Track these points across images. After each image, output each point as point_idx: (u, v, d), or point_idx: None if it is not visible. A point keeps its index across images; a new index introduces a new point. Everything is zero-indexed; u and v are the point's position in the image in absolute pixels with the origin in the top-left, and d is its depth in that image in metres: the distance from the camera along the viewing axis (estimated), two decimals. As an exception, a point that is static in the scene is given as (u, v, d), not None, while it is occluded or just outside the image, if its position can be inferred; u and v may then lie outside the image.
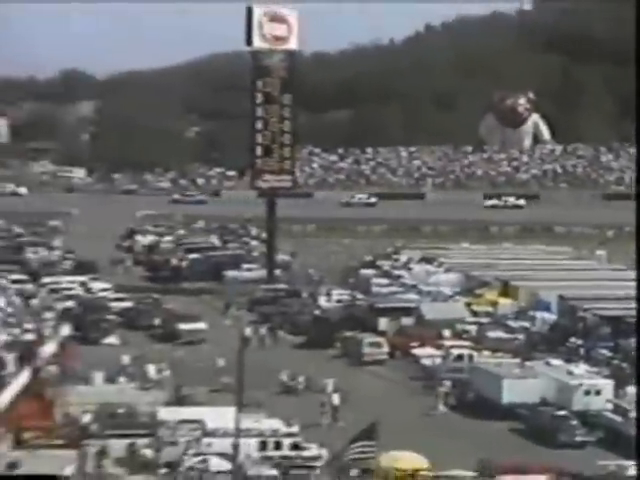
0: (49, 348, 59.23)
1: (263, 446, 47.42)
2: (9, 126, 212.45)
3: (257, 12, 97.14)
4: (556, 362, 63.25)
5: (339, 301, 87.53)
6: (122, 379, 61.71)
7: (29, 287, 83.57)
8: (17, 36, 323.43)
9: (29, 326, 62.13)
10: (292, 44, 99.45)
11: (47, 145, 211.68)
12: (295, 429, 49.90)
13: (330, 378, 62.20)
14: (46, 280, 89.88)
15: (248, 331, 71.59)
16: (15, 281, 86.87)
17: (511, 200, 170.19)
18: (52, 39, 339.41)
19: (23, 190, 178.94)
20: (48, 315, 68.58)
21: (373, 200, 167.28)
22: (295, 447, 47.88)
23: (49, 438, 48.92)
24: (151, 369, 62.54)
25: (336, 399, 57.86)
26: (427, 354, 68.67)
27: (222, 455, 45.33)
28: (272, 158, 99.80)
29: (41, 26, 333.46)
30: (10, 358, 53.00)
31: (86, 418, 52.00)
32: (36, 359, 55.54)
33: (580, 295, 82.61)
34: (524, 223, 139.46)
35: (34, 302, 72.74)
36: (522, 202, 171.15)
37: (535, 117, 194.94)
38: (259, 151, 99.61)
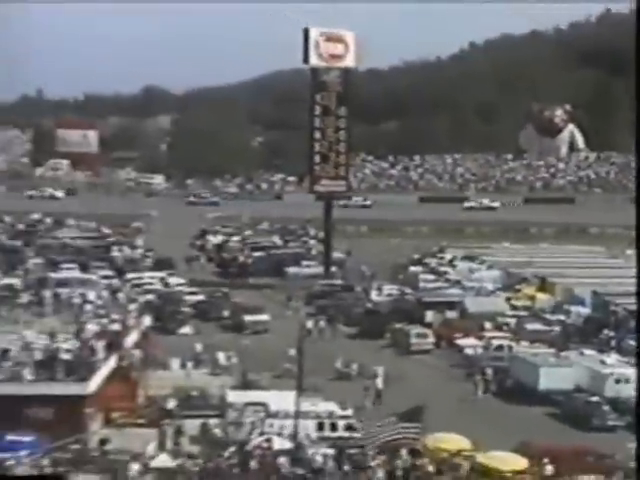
0: (133, 337, 59.79)
1: (320, 427, 48.11)
2: (98, 137, 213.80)
3: (313, 33, 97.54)
4: (589, 352, 63.48)
5: (389, 295, 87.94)
6: (194, 365, 62.93)
7: (115, 282, 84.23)
8: (103, 56, 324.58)
9: (115, 317, 62.68)
10: (349, 62, 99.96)
11: (131, 154, 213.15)
12: (349, 412, 50.55)
13: (380, 366, 63.09)
14: (130, 276, 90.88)
15: (309, 323, 72.49)
16: (104, 277, 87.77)
17: (485, 202, 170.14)
18: (134, 58, 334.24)
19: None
20: (132, 307, 69.18)
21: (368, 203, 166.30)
22: (349, 428, 48.43)
23: (133, 418, 50.20)
24: (221, 356, 63.51)
25: (379, 383, 58.57)
26: (470, 344, 69.07)
27: (283, 435, 46.00)
28: (328, 165, 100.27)
29: (124, 46, 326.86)
30: (100, 346, 53.44)
31: (165, 400, 53.15)
32: (122, 347, 56.14)
33: (612, 291, 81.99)
34: (561, 225, 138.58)
35: (120, 296, 73.27)
36: (496, 204, 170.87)
37: (571, 127, 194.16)
38: (317, 159, 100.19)
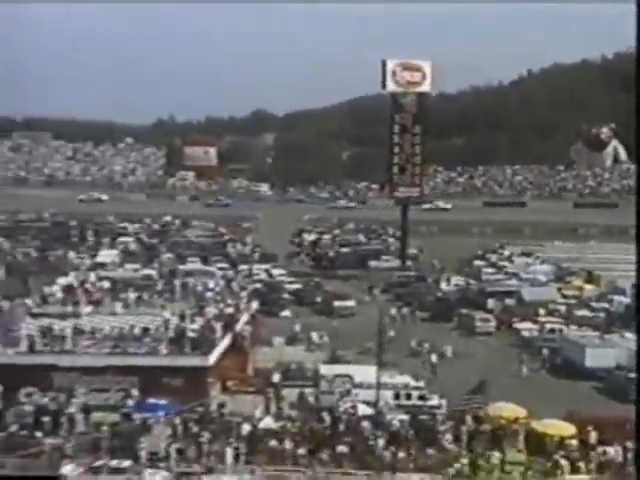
0: (244, 319, 60.45)
1: (397, 396, 48.70)
2: (217, 153, 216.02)
3: (390, 64, 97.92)
4: (629, 335, 63.03)
5: (456, 285, 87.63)
6: (293, 342, 64.00)
7: (230, 273, 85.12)
8: (219, 83, 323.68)
9: (230, 302, 63.44)
10: (425, 87, 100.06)
11: (242, 166, 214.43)
12: (421, 383, 51.05)
13: (449, 345, 63.60)
14: (241, 268, 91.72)
15: (393, 310, 73.29)
16: (221, 268, 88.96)
17: (440, 204, 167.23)
18: (247, 86, 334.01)
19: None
20: (243, 294, 69.91)
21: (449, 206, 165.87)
22: (421, 398, 49.04)
23: (244, 386, 51.04)
24: (314, 335, 64.36)
25: (434, 358, 59.03)
26: (526, 327, 69.20)
27: (366, 403, 46.71)
28: (405, 175, 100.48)
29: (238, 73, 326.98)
30: (218, 326, 54.29)
31: (269, 372, 54.05)
32: (235, 327, 56.90)
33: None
34: (605, 226, 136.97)
35: (233, 284, 74.01)
36: (449, 206, 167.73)
37: (615, 142, 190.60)
38: (395, 169, 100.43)
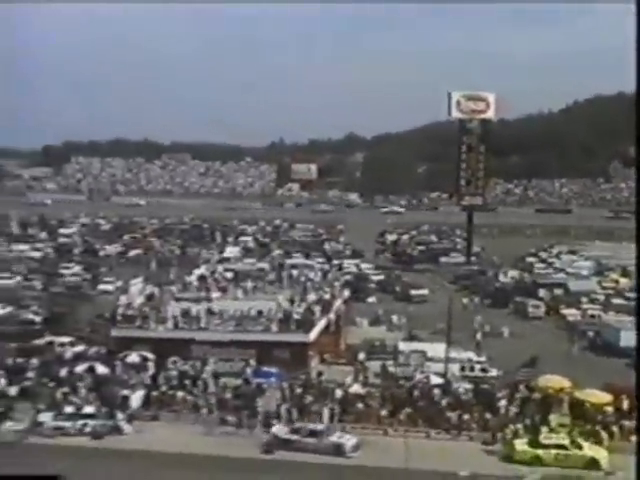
0: (337, 304, 60.30)
1: (462, 369, 48.00)
2: (317, 168, 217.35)
3: (455, 95, 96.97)
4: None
5: (512, 278, 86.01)
6: (377, 324, 63.44)
7: (326, 266, 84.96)
8: (318, 106, 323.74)
9: (327, 290, 63.44)
10: (489, 115, 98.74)
11: (337, 179, 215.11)
12: (483, 358, 50.32)
13: (505, 327, 62.57)
14: (335, 262, 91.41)
15: (465, 300, 72.30)
16: (319, 262, 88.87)
17: (395, 209, 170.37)
18: (339, 107, 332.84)
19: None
20: (337, 284, 69.81)
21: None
22: (483, 370, 48.31)
23: (338, 358, 50.80)
24: (394, 318, 63.81)
25: (479, 336, 57.77)
26: (571, 313, 67.68)
27: (437, 374, 46.12)
28: (470, 186, 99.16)
29: (330, 97, 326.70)
30: (317, 309, 54.26)
31: (357, 347, 53.74)
32: (330, 310, 56.74)
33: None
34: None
35: (329, 276, 73.96)
36: (402, 210, 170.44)
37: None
38: (462, 182, 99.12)
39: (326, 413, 39.68)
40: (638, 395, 34.43)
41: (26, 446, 36.28)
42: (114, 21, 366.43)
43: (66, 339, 52.22)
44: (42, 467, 29.74)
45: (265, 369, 45.36)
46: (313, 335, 50.25)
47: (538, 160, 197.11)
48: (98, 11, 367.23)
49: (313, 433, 36.42)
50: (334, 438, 36.19)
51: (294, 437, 36.25)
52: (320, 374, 46.13)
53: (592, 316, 65.92)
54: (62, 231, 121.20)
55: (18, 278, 79.15)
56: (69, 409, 39.37)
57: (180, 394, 42.62)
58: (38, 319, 59.72)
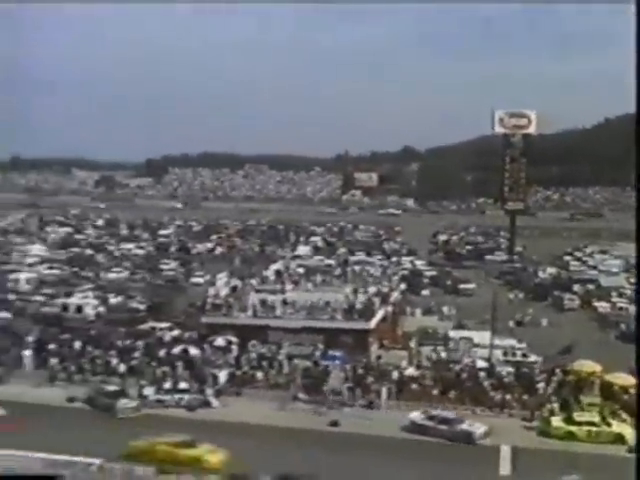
0: (395, 295, 59.98)
1: (505, 354, 47.18)
2: (377, 177, 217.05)
3: (497, 113, 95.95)
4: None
5: (550, 274, 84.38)
6: (429, 314, 62.69)
7: (385, 263, 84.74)
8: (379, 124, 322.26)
9: (385, 284, 63.16)
10: (530, 130, 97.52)
11: (395, 187, 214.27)
12: (524, 345, 49.36)
13: (544, 318, 61.51)
14: (393, 259, 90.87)
15: (504, 292, 70.59)
16: (379, 259, 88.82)
17: (391, 211, 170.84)
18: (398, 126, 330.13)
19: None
20: (394, 278, 69.54)
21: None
22: (523, 355, 47.53)
23: (395, 344, 50.42)
24: (445, 309, 63.11)
25: (512, 324, 56.77)
26: (602, 306, 65.95)
27: (482, 358, 45.65)
28: (513, 193, 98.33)
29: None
30: (376, 301, 53.89)
31: (412, 335, 53.05)
32: (388, 301, 56.50)
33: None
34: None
35: (388, 271, 73.75)
36: (399, 212, 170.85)
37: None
38: (506, 189, 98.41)
39: (384, 392, 39.54)
40: (638, 394, 33.67)
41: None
42: (193, 41, 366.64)
43: (165, 325, 52.72)
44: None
45: (331, 352, 45.06)
46: (373, 323, 49.86)
47: (574, 170, 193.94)
48: (174, 33, 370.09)
49: (446, 421, 35.52)
50: (465, 426, 35.26)
51: (429, 423, 35.50)
52: (379, 357, 45.88)
53: (620, 308, 63.99)
54: (161, 232, 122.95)
55: (126, 272, 79.93)
56: (167, 385, 40.02)
57: (259, 373, 42.93)
58: (142, 307, 60.48)
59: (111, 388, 39.49)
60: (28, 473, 25.09)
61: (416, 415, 36.39)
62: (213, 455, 29.99)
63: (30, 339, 47.34)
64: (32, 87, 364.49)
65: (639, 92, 19.25)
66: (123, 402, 37.75)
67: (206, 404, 38.70)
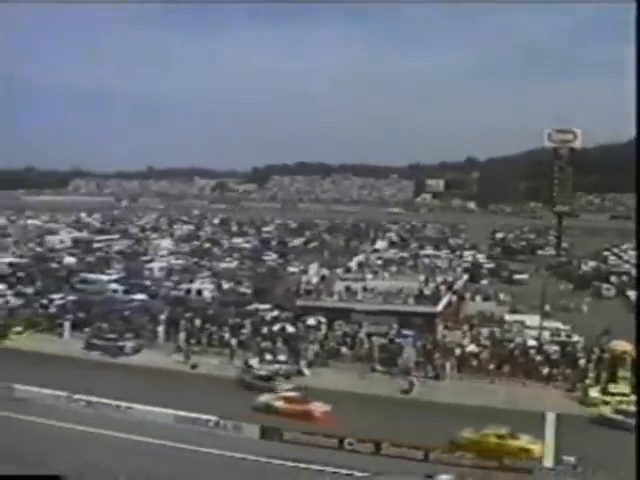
0: (458, 285, 59.12)
1: (552, 335, 45.69)
2: (444, 183, 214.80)
3: (546, 131, 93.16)
4: None
5: (591, 267, 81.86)
6: (487, 299, 61.31)
7: (450, 256, 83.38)
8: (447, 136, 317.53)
9: (450, 274, 62.24)
10: (576, 144, 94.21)
11: (459, 191, 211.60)
12: (568, 327, 47.62)
13: (585, 304, 59.40)
14: (457, 253, 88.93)
15: (561, 286, 68.53)
16: (445, 253, 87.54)
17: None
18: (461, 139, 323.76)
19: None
20: (458, 269, 68.66)
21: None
22: (567, 336, 46.08)
23: (458, 325, 49.45)
24: (501, 296, 61.46)
25: (548, 308, 53.24)
26: (634, 294, 62.50)
27: (532, 338, 44.62)
28: (560, 197, 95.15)
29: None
30: (442, 288, 53.44)
31: (472, 318, 51.94)
32: (453, 289, 55.77)
33: None
34: None
35: (453, 263, 72.87)
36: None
37: None
38: (555, 194, 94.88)
39: (448, 366, 39.26)
40: (638, 392, 32.46)
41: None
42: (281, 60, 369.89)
43: (267, 306, 52.84)
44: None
45: (404, 332, 44.79)
46: (440, 307, 49.21)
47: (612, 178, 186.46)
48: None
49: None
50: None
51: None
52: (444, 337, 45.51)
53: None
54: (264, 229, 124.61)
55: (236, 263, 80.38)
56: (268, 356, 40.56)
57: (343, 348, 43.09)
58: (249, 292, 60.66)
59: (262, 372, 37.97)
60: (29, 473, 22.91)
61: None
62: (535, 445, 28.64)
63: (162, 317, 48.69)
64: (171, 110, 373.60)
65: (639, 93, 17.34)
66: (281, 385, 36.38)
67: (299, 373, 39.02)
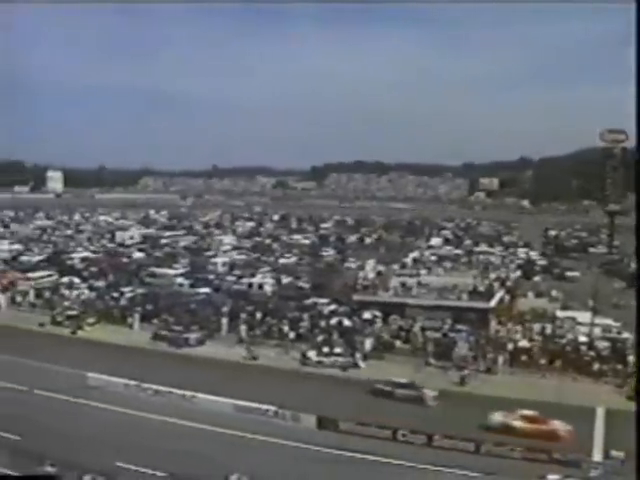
0: (511, 281, 58.05)
1: (603, 331, 44.21)
2: (498, 181, 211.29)
3: (599, 131, 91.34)
4: None
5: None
6: (540, 296, 59.93)
7: (504, 253, 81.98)
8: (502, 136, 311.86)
9: (504, 270, 61.31)
10: (628, 144, 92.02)
11: (513, 190, 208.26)
12: (618, 324, 45.83)
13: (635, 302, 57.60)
14: (510, 250, 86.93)
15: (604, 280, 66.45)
16: (499, 250, 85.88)
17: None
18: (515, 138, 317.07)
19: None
20: (511, 265, 67.76)
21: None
22: (618, 333, 44.37)
23: (510, 321, 47.91)
24: (553, 292, 59.35)
25: (615, 300, 53.29)
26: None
27: (584, 334, 43.55)
28: (613, 196, 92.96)
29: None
30: (496, 284, 52.92)
31: (524, 314, 50.51)
32: (506, 285, 54.93)
33: None
34: None
35: (506, 260, 71.71)
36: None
37: None
38: (607, 192, 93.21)
39: (500, 360, 38.90)
40: (638, 391, 31.13)
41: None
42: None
43: (324, 300, 52.80)
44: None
45: (458, 327, 44.58)
46: (493, 303, 48.69)
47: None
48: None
49: None
50: None
51: None
52: (497, 332, 44.96)
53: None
54: (322, 225, 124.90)
55: (295, 258, 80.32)
56: (326, 349, 40.70)
57: (398, 342, 43.15)
58: (307, 286, 60.65)
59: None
60: (29, 474, 22.33)
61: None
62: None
63: (225, 310, 49.57)
64: (235, 111, 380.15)
65: (639, 93, 16.56)
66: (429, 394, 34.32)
67: (355, 365, 39.20)
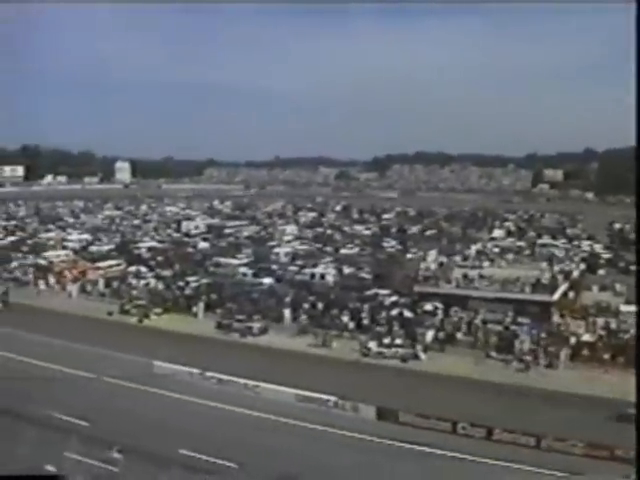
0: (575, 273, 56.17)
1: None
2: (562, 174, 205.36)
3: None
4: None
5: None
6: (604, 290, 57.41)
7: (568, 246, 79.23)
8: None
9: (567, 263, 59.29)
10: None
11: (577, 182, 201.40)
12: None
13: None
14: (574, 243, 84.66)
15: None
16: (563, 243, 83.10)
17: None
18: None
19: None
20: (575, 258, 65.47)
21: None
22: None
23: (573, 314, 46.28)
24: (618, 286, 54.74)
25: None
26: None
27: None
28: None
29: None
30: (560, 277, 51.35)
31: (587, 308, 49.03)
32: (570, 278, 53.05)
33: None
34: None
35: (570, 253, 69.28)
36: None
37: None
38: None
39: (563, 354, 38.00)
40: (638, 392, 29.22)
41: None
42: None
43: (385, 291, 52.58)
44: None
45: (520, 319, 43.75)
46: (556, 296, 47.58)
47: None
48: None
49: None
50: None
51: None
52: (559, 325, 43.87)
53: None
54: (384, 216, 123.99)
55: (357, 249, 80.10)
56: (386, 340, 40.65)
57: (459, 334, 42.78)
58: (368, 277, 60.38)
59: None
60: (30, 473, 21.55)
61: None
62: None
63: (287, 299, 49.99)
64: (297, 104, 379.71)
65: (639, 91, 15.91)
66: None
67: (415, 357, 39.03)
